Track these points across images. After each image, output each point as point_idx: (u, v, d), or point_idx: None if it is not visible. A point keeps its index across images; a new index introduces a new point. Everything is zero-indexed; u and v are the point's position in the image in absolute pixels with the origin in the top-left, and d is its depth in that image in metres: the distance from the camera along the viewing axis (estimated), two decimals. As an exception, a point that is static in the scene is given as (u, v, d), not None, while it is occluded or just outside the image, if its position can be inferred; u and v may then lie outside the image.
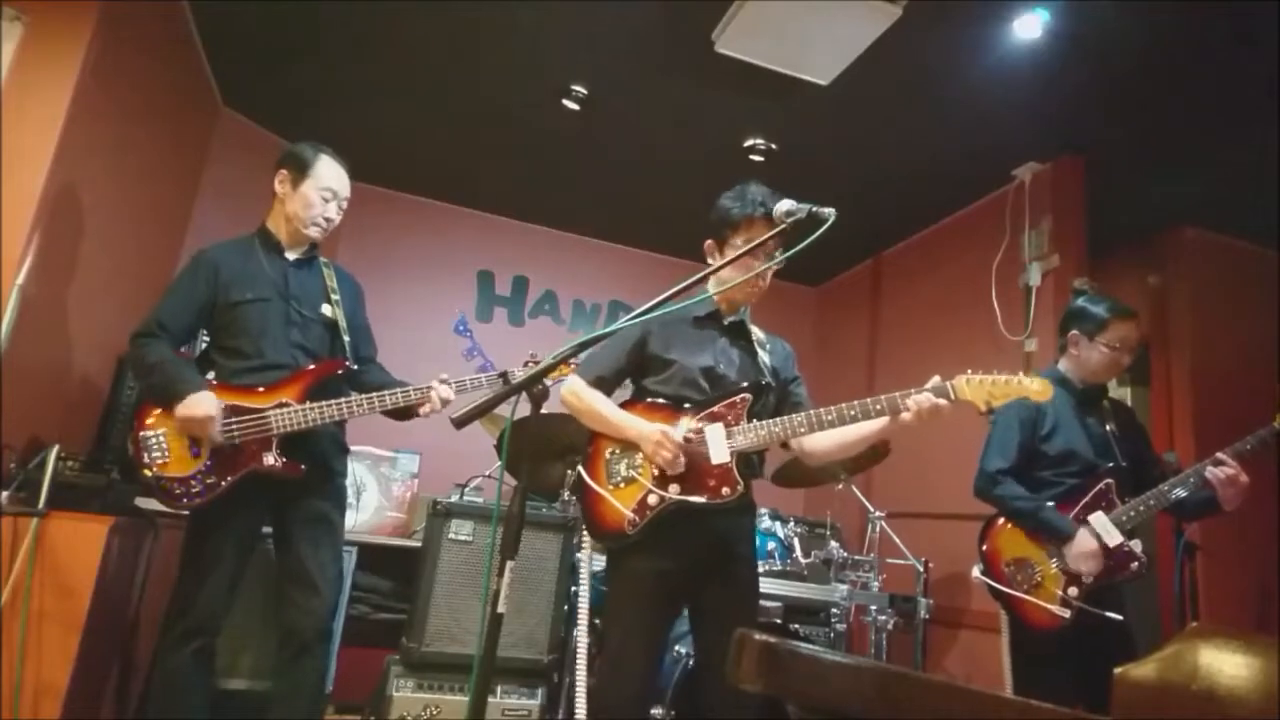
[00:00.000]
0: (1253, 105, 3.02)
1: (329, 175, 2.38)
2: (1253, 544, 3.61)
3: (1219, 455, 2.32)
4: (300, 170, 2.36)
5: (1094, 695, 2.29)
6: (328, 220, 2.40)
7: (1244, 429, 2.38)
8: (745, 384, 2.02)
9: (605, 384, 2.07)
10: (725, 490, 1.91)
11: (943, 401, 1.83)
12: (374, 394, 2.30)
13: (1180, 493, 2.34)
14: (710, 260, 2.12)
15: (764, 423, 1.95)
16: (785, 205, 1.82)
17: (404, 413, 2.37)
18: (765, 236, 1.85)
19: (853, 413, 1.88)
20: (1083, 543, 2.33)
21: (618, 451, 2.00)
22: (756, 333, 2.18)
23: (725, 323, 2.12)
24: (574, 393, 2.04)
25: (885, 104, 3.36)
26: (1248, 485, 2.30)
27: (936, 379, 1.87)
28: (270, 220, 2.42)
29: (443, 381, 2.36)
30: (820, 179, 4.03)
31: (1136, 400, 4.06)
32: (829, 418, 1.90)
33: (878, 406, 1.87)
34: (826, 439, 2.04)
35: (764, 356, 2.13)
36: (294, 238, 2.40)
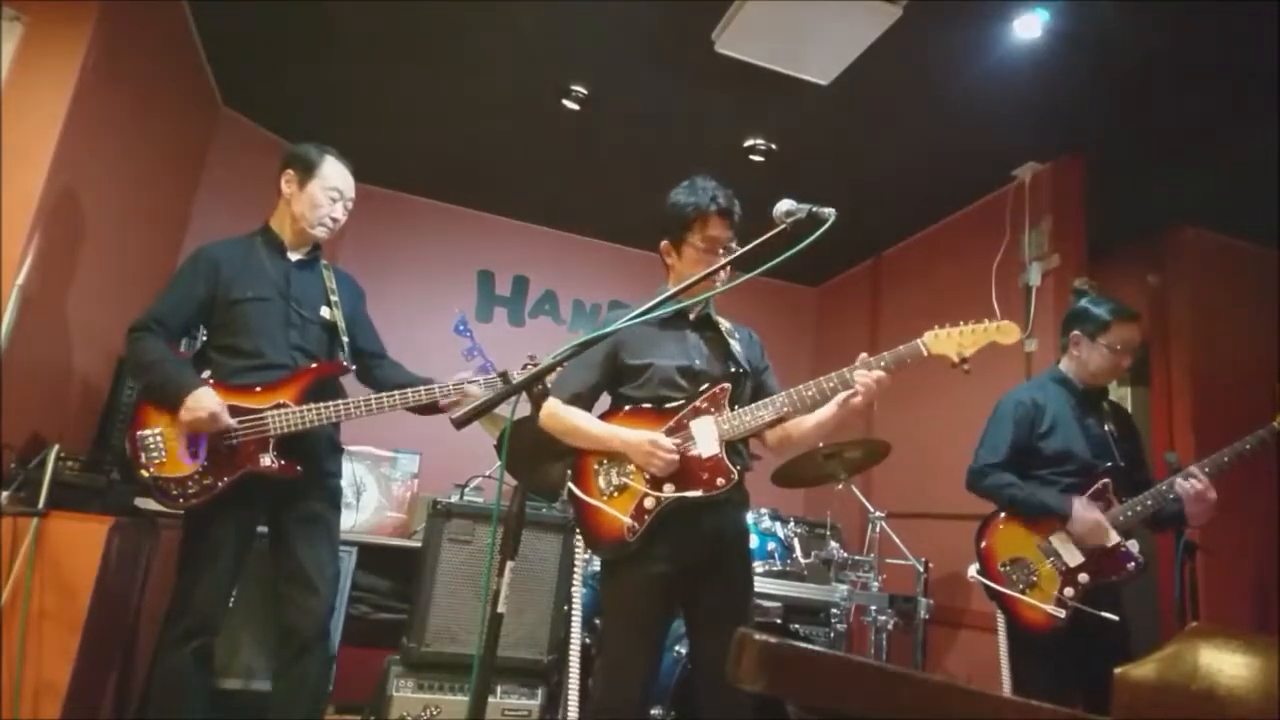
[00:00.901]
0: (1253, 105, 3.02)
1: (335, 175, 2.39)
2: (1253, 544, 3.61)
3: (1190, 469, 2.33)
4: (307, 170, 2.36)
5: (1092, 695, 2.29)
6: (334, 221, 2.40)
7: (1244, 429, 2.38)
8: (725, 373, 2.03)
9: (582, 400, 2.06)
10: (720, 481, 1.92)
11: (878, 373, 1.89)
12: (374, 396, 2.31)
13: (1183, 486, 2.32)
14: (667, 260, 2.14)
15: (748, 408, 1.97)
16: (785, 205, 1.82)
17: (430, 408, 2.38)
18: (761, 239, 1.83)
19: (831, 384, 1.92)
20: (1083, 515, 2.33)
21: (605, 462, 1.99)
22: (723, 323, 2.19)
23: (691, 318, 2.12)
24: (552, 415, 2.01)
25: (885, 104, 3.35)
26: (1215, 502, 2.30)
27: (864, 355, 1.94)
28: (274, 220, 2.42)
29: (471, 382, 2.36)
30: (820, 179, 4.03)
31: (1136, 400, 4.06)
32: (809, 393, 1.93)
33: (831, 385, 1.92)
34: (795, 429, 2.08)
35: (735, 345, 2.14)
36: (298, 238, 2.40)
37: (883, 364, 1.91)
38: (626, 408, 2.04)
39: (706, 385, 2.00)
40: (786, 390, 1.97)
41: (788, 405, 1.95)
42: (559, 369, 1.72)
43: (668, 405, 2.00)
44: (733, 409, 1.98)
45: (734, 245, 2.03)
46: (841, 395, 1.92)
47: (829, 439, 2.51)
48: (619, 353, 2.05)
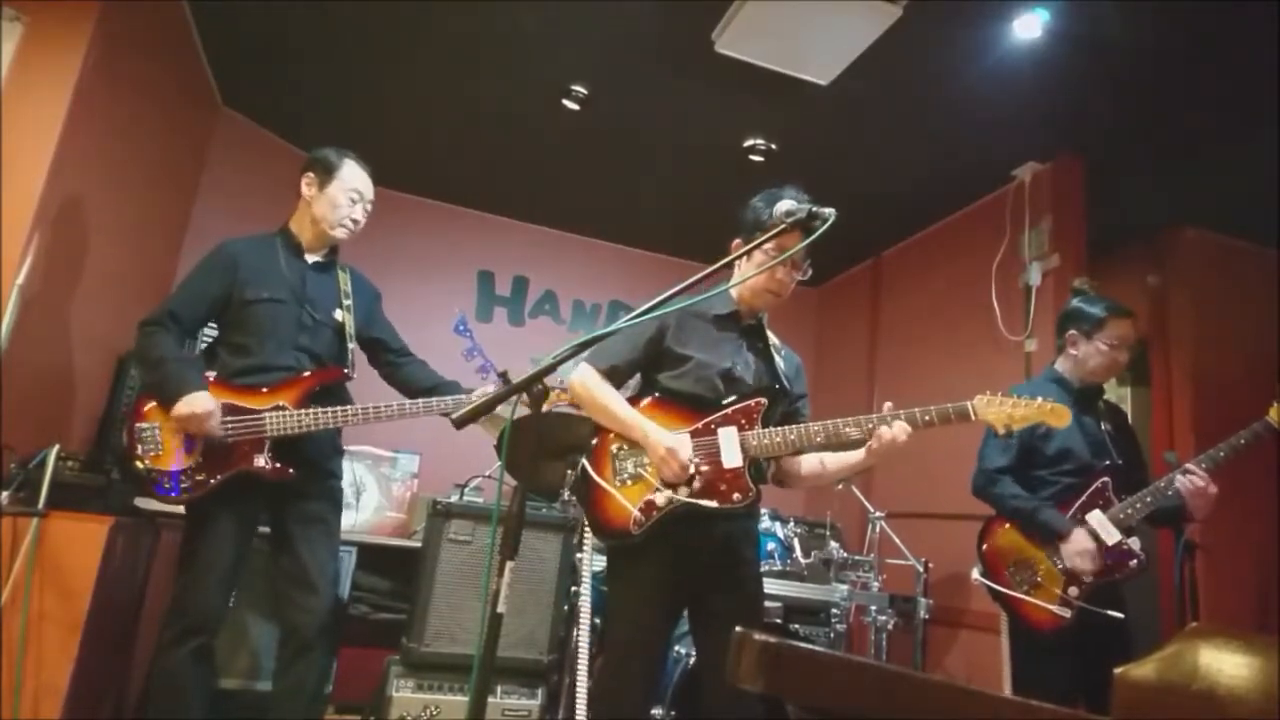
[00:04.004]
0: (1253, 105, 3.02)
1: (355, 178, 2.41)
2: (1253, 544, 3.61)
3: (1188, 465, 2.33)
4: (327, 172, 2.38)
5: (1093, 694, 2.29)
6: (354, 222, 2.42)
7: (1244, 428, 2.38)
8: (764, 387, 1.99)
9: (618, 374, 2.03)
10: (736, 495, 1.88)
11: (901, 436, 1.83)
12: (373, 406, 2.30)
13: (1183, 482, 2.33)
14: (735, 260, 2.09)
15: (779, 429, 1.92)
16: (785, 205, 1.82)
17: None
18: (765, 238, 1.81)
19: (870, 425, 1.87)
20: (1078, 541, 2.34)
21: (625, 448, 1.97)
22: (773, 338, 2.16)
23: (744, 324, 2.09)
24: (584, 384, 2.00)
25: (885, 104, 3.35)
26: (1216, 496, 2.31)
27: (888, 404, 1.88)
28: (294, 222, 2.43)
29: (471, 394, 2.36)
30: (820, 179, 3.99)
31: (1136, 400, 4.06)
32: (847, 429, 1.88)
33: (870, 425, 1.87)
34: (810, 464, 2.05)
35: (780, 362, 2.11)
36: (318, 240, 2.41)
37: (927, 418, 1.86)
38: (657, 395, 2.00)
39: (744, 395, 1.96)
40: (824, 421, 1.92)
41: (821, 435, 1.90)
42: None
43: (700, 405, 1.96)
44: (763, 426, 1.94)
45: (808, 266, 2.00)
46: (874, 441, 1.87)
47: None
48: (664, 336, 2.01)
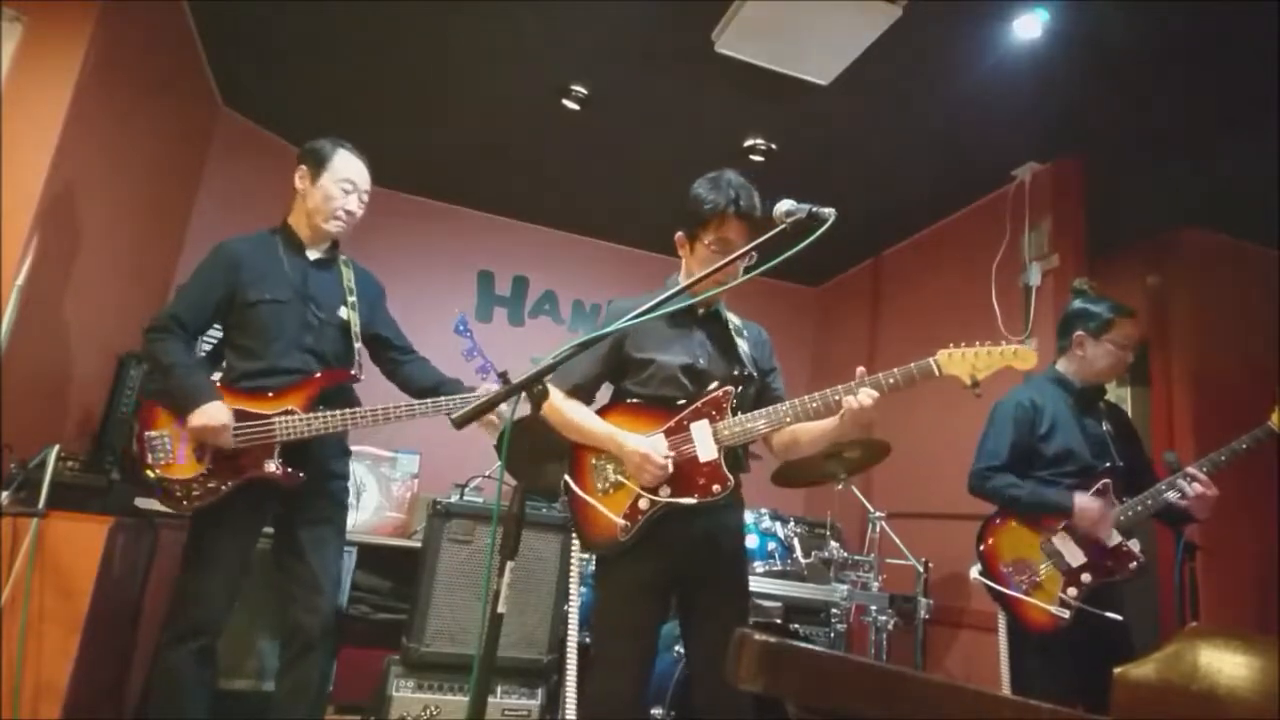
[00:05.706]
0: (1253, 105, 3.02)
1: (347, 167, 2.36)
2: (1253, 544, 3.61)
3: (1189, 470, 2.34)
4: (319, 164, 2.34)
5: (1092, 694, 2.29)
6: (348, 213, 2.37)
7: (1244, 429, 2.39)
8: (729, 375, 1.99)
9: (582, 392, 2.04)
10: (716, 488, 1.90)
11: (866, 401, 1.81)
12: (382, 408, 2.29)
13: (1172, 495, 2.34)
14: (680, 251, 2.11)
15: (749, 415, 1.93)
16: (785, 205, 1.81)
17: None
18: (760, 239, 1.79)
19: (836, 397, 1.86)
20: (1087, 506, 2.34)
21: (602, 458, 1.98)
22: (733, 320, 2.15)
23: (700, 316, 2.09)
24: (552, 406, 1.99)
25: (885, 104, 3.35)
26: (1216, 498, 2.33)
27: (861, 369, 1.87)
28: (292, 218, 2.40)
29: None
30: (820, 179, 4.03)
31: (1136, 400, 4.06)
32: (814, 404, 1.89)
33: (836, 398, 1.86)
34: (805, 435, 2.03)
35: (742, 345, 2.10)
36: (316, 234, 2.38)
37: (891, 381, 1.85)
38: (628, 401, 2.02)
39: (710, 386, 1.96)
40: (790, 400, 1.93)
41: (790, 415, 1.90)
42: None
43: (669, 405, 1.97)
44: (735, 413, 1.94)
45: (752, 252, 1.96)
46: (844, 411, 1.85)
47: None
48: (624, 344, 2.02)
